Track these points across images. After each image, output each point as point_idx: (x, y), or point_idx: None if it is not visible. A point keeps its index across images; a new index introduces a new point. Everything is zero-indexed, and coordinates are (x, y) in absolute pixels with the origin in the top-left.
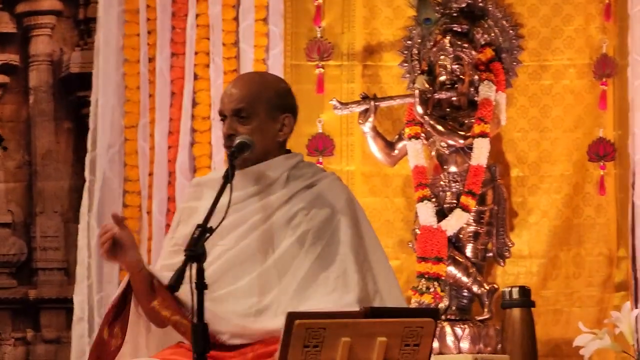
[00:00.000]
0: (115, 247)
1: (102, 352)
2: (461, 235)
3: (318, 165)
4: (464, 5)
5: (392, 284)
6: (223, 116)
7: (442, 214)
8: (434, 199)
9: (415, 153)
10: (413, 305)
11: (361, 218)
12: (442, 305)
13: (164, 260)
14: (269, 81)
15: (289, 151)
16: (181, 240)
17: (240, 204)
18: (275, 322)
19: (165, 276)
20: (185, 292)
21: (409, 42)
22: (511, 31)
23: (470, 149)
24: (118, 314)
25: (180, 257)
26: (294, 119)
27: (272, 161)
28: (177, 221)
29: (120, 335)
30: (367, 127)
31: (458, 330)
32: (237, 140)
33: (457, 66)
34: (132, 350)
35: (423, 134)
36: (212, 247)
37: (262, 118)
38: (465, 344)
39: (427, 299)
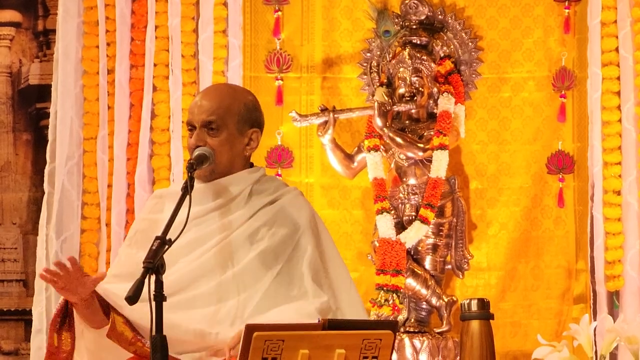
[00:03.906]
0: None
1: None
2: (420, 248)
3: (280, 179)
4: (423, 17)
5: (353, 299)
6: (192, 127)
7: (401, 227)
8: (392, 212)
9: (375, 165)
10: (372, 317)
11: (323, 234)
12: (400, 318)
13: (118, 269)
14: (239, 94)
15: (252, 165)
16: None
17: (201, 219)
18: (233, 331)
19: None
20: (142, 314)
21: (368, 54)
22: (470, 43)
23: (430, 161)
24: (64, 319)
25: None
26: (261, 134)
27: (235, 176)
28: (135, 230)
29: (70, 340)
30: (326, 139)
31: (417, 343)
32: (196, 152)
33: (416, 78)
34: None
35: (382, 146)
36: (173, 263)
37: (231, 131)
38: (424, 356)
39: (385, 311)
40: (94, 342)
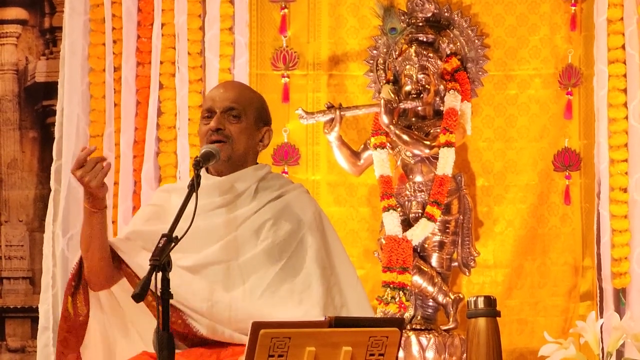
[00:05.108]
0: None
1: (71, 325)
2: (426, 245)
3: (286, 177)
4: (429, 14)
5: (359, 296)
6: (210, 113)
7: (407, 224)
8: (399, 209)
9: (381, 163)
10: (378, 314)
11: (328, 231)
12: (407, 315)
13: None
14: (256, 92)
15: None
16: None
17: (208, 214)
18: (243, 312)
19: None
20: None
21: (375, 51)
22: (477, 41)
23: (436, 158)
24: (79, 283)
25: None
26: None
27: (241, 172)
28: (140, 216)
29: (85, 303)
30: (332, 136)
31: (423, 340)
32: (203, 150)
33: (422, 76)
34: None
35: (388, 144)
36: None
37: (250, 122)
38: (430, 354)
39: (392, 309)
40: (108, 303)
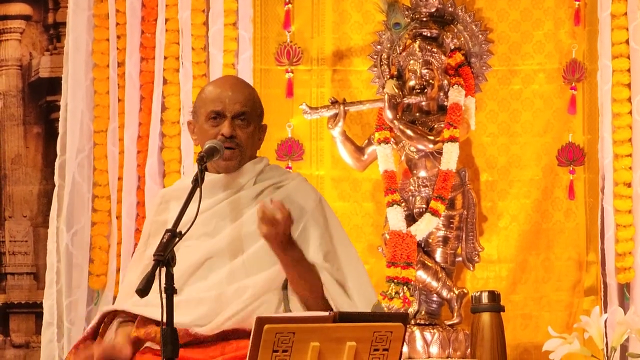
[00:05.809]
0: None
1: None
2: (430, 240)
3: (283, 168)
4: (433, 9)
5: (360, 275)
6: (218, 115)
7: (411, 219)
8: (403, 204)
9: (385, 158)
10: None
11: (330, 218)
12: (411, 310)
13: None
14: (253, 87)
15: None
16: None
17: (210, 211)
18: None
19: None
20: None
21: (379, 46)
22: (481, 36)
23: (440, 153)
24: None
25: None
26: None
27: (241, 168)
28: (148, 234)
29: None
30: (336, 131)
31: (427, 335)
32: (207, 145)
33: (426, 71)
34: None
35: (392, 139)
36: (180, 244)
37: (255, 124)
38: (434, 349)
39: (396, 304)
40: None
